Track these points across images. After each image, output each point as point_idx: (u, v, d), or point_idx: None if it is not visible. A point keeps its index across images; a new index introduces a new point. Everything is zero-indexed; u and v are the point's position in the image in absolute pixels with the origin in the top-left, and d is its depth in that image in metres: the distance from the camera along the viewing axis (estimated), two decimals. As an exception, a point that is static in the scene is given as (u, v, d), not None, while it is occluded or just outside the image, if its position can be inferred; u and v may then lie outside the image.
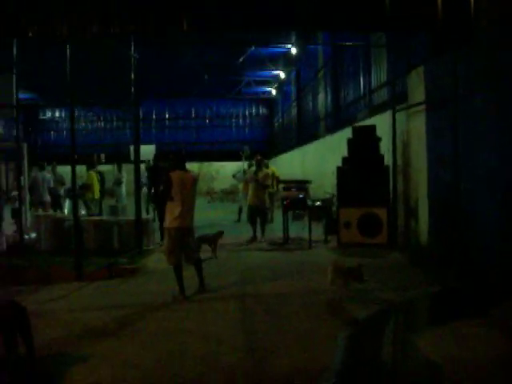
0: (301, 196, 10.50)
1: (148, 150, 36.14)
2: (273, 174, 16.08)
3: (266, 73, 31.29)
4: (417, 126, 9.63)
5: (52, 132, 41.34)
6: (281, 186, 14.44)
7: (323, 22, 8.57)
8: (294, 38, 25.06)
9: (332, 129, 17.71)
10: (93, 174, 14.57)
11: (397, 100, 10.59)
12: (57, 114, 41.41)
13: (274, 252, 10.10)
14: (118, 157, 23.20)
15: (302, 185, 10.90)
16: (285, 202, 10.73)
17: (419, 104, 9.30)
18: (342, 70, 17.66)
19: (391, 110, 10.56)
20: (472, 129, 7.45)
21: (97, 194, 14.49)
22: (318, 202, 10.80)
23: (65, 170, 16.59)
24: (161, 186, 6.96)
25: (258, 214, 11.43)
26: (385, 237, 10.23)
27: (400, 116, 10.32)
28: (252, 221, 11.61)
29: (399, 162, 10.35)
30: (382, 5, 8.19)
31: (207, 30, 9.19)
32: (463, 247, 7.66)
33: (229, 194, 28.29)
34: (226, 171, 32.05)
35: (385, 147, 10.49)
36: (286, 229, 10.98)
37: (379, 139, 10.45)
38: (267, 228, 11.67)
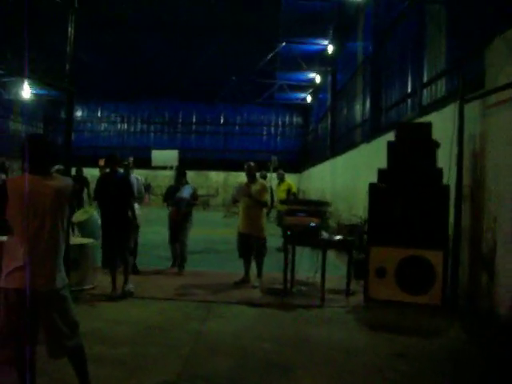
0: (312, 225, 6.95)
1: (170, 156, 33.72)
2: (289, 190, 12.69)
3: (300, 76, 28.02)
4: (500, 124, 6.04)
5: (73, 132, 38.84)
6: (282, 207, 10.83)
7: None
8: (330, 33, 21.76)
9: (369, 136, 14.12)
10: None
11: (465, 90, 7.00)
12: (78, 114, 38.68)
13: (262, 311, 6.48)
14: (139, 161, 20.68)
15: (316, 208, 7.30)
16: (288, 233, 7.18)
17: (508, 87, 5.70)
18: (385, 63, 14.06)
19: (455, 104, 6.96)
20: None
21: None
22: (338, 236, 7.22)
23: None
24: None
25: (251, 246, 7.96)
26: (438, 295, 6.60)
27: (470, 111, 6.73)
28: (244, 255, 8.13)
29: (467, 180, 6.73)
30: None
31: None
32: None
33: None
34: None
35: (444, 158, 6.89)
36: (290, 271, 7.47)
37: (437, 145, 6.86)
38: (264, 263, 8.12)
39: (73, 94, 6.60)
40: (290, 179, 14.98)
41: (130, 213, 7.28)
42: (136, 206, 8.65)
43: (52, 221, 3.27)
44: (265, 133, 38.80)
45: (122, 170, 8.13)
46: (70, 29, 6.41)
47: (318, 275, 7.34)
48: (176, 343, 5.04)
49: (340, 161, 18.78)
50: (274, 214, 13.41)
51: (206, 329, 5.62)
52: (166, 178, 34.27)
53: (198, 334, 5.37)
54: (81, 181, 11.86)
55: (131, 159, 9.33)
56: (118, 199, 7.13)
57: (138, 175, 9.41)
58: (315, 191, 25.17)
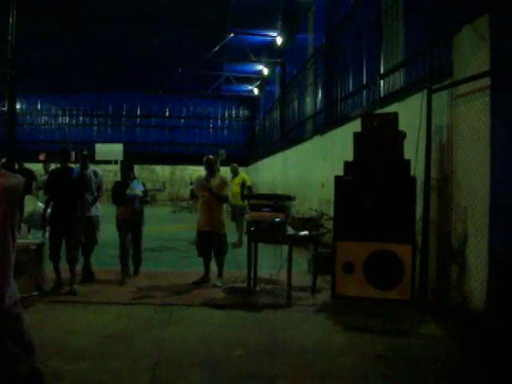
0: (277, 220, 6.64)
1: (115, 150, 32.60)
2: (243, 184, 12.36)
3: (248, 68, 27.66)
4: (470, 114, 5.89)
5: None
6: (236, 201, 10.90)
7: None
8: (280, 24, 21.46)
9: (323, 129, 13.96)
10: None
11: (432, 80, 6.84)
12: (17, 106, 36.71)
13: (228, 313, 6.09)
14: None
15: (279, 202, 6.98)
16: (252, 229, 6.84)
17: (480, 77, 5.56)
18: (338, 55, 13.89)
19: (420, 94, 6.81)
20: None
21: None
22: (304, 232, 6.93)
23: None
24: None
25: (211, 243, 7.57)
26: (407, 290, 6.44)
27: (436, 101, 6.58)
28: (203, 253, 7.73)
29: (435, 172, 6.59)
30: None
31: None
32: None
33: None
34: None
35: (409, 149, 6.73)
36: (252, 269, 7.12)
37: (404, 136, 6.68)
38: (225, 261, 7.73)
39: (15, 79, 6.00)
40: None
41: (79, 211, 6.87)
42: (98, 205, 8.09)
43: (0, 227, 2.73)
44: (211, 126, 38.27)
45: (74, 166, 7.55)
46: (11, 14, 5.83)
47: (281, 272, 7.07)
48: (139, 354, 4.60)
49: (291, 153, 18.58)
50: (227, 208, 13.06)
51: (169, 336, 5.19)
52: (110, 172, 33.22)
53: (161, 343, 4.95)
54: (27, 174, 10.72)
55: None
56: (71, 198, 6.75)
57: (96, 168, 8.64)
58: (264, 185, 24.94)
